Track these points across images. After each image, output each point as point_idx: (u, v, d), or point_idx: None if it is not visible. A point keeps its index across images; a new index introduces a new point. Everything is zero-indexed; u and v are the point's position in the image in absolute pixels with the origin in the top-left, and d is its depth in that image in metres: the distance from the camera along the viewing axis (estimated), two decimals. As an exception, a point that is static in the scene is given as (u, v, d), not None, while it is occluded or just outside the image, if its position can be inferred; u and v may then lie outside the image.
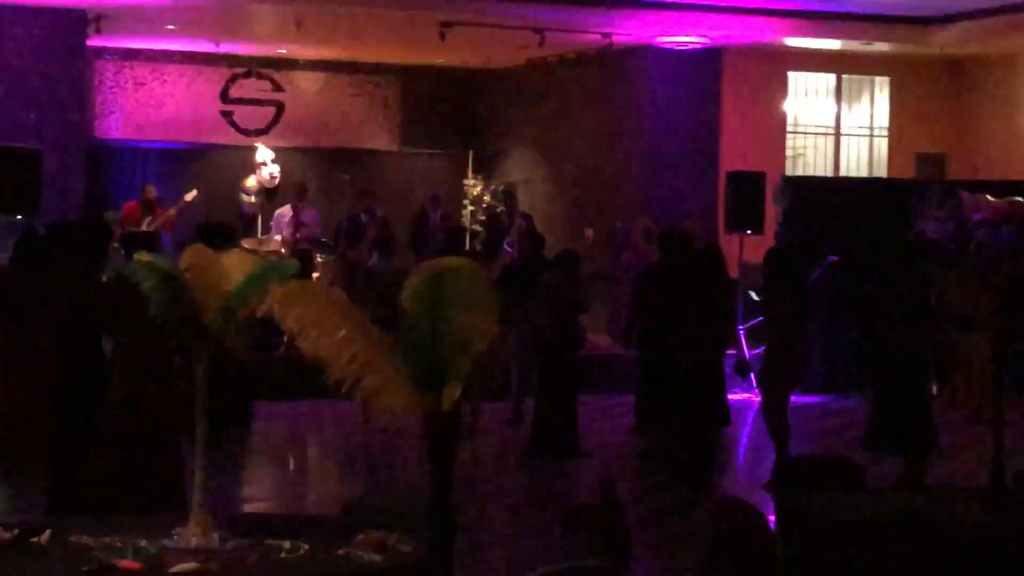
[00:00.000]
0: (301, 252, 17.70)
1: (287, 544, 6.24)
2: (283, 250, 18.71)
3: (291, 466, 13.75)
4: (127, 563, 5.96)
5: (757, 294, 12.69)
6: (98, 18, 19.59)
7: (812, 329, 13.19)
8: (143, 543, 6.23)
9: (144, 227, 19.10)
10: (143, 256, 7.71)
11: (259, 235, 20.36)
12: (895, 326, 10.43)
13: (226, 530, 6.39)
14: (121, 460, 9.16)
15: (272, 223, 19.92)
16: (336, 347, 4.95)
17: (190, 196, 19.77)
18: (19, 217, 15.87)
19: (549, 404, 13.57)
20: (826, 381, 17.81)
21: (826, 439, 14.71)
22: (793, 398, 12.41)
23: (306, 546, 6.20)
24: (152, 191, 19.82)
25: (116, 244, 13.99)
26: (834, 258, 17.79)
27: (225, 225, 14.70)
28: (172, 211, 19.52)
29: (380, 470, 13.30)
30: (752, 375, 14.77)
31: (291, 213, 19.59)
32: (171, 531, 6.38)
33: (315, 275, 18.04)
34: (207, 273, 7.34)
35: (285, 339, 15.91)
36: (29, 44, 19.17)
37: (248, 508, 11.25)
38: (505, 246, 20.17)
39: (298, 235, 19.19)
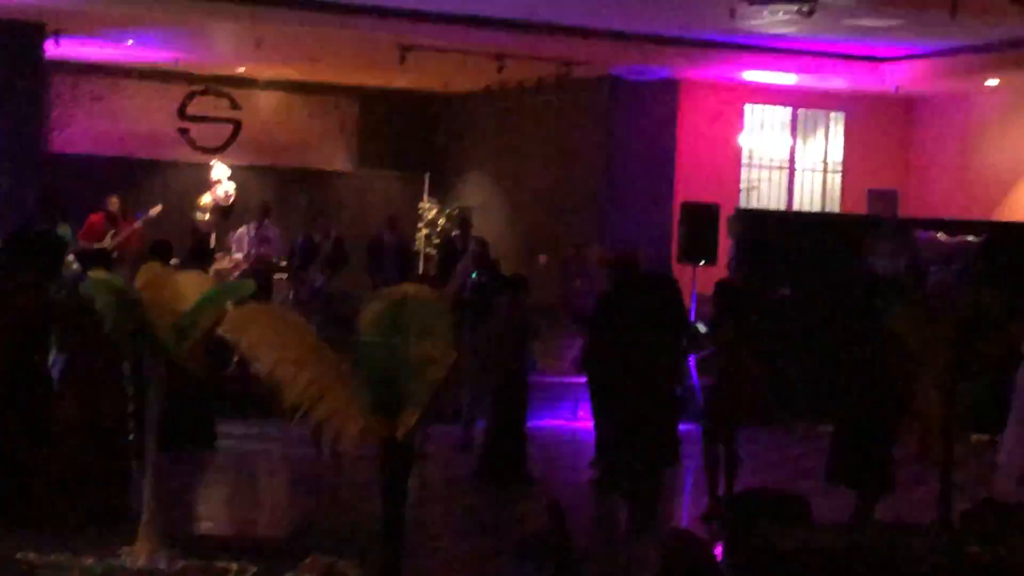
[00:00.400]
0: (258, 272, 17.64)
1: (234, 566, 6.24)
2: (243, 267, 18.64)
3: (243, 487, 13.66)
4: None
5: (705, 325, 12.70)
6: (56, 31, 19.51)
7: (765, 361, 13.23)
8: (90, 562, 6.22)
9: (108, 239, 19.00)
10: (98, 273, 7.71)
11: (212, 254, 20.26)
12: (852, 360, 10.48)
13: (175, 550, 6.38)
14: (69, 476, 9.12)
15: (233, 242, 19.78)
16: (292, 371, 4.95)
17: (155, 211, 19.66)
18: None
19: (499, 429, 13.56)
20: (797, 410, 17.95)
21: (786, 471, 14.77)
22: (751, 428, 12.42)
23: (253, 568, 6.21)
24: (116, 203, 19.68)
25: (71, 258, 13.93)
26: (786, 292, 17.87)
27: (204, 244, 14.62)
28: (138, 224, 19.39)
29: (330, 493, 13.25)
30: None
31: (253, 231, 19.48)
32: (119, 550, 6.37)
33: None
34: (162, 292, 7.36)
35: (235, 359, 15.91)
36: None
37: (199, 528, 11.18)
38: (459, 270, 20.15)
39: (262, 250, 19.10)
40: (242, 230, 19.77)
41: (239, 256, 19.12)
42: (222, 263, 18.49)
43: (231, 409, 15.47)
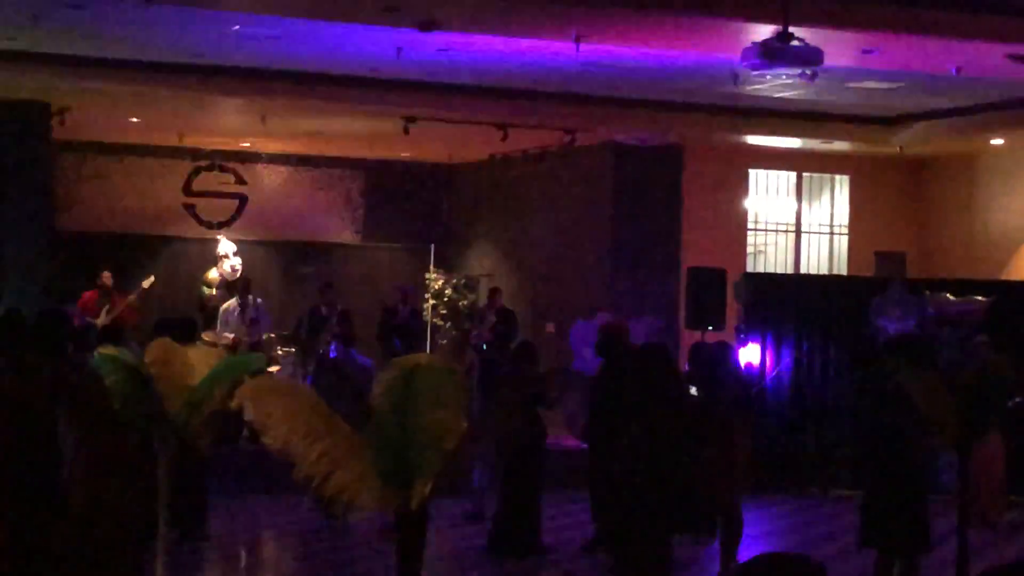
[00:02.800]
0: (255, 346, 17.62)
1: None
2: (238, 346, 18.55)
3: (253, 566, 13.56)
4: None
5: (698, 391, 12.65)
6: (62, 111, 19.61)
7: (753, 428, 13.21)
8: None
9: (103, 315, 18.98)
10: (107, 349, 7.69)
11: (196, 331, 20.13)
12: (876, 422, 10.41)
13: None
14: (81, 558, 9.05)
15: (220, 319, 19.57)
16: (305, 443, 4.92)
17: (147, 283, 19.69)
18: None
19: (511, 500, 13.49)
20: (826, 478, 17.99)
21: (819, 537, 14.72)
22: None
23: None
24: (108, 278, 19.70)
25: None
26: (793, 354, 17.87)
27: (187, 320, 14.59)
28: (132, 298, 19.42)
29: (342, 568, 13.17)
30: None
31: (239, 308, 19.29)
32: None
33: (274, 368, 17.94)
34: (172, 367, 7.34)
35: (244, 433, 15.86)
36: (-7, 135, 19.18)
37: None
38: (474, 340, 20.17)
39: (252, 332, 18.95)
40: (225, 307, 19.52)
41: (229, 336, 18.90)
42: (213, 339, 18.27)
43: (243, 484, 15.43)
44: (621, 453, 11.78)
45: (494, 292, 20.20)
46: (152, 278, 19.95)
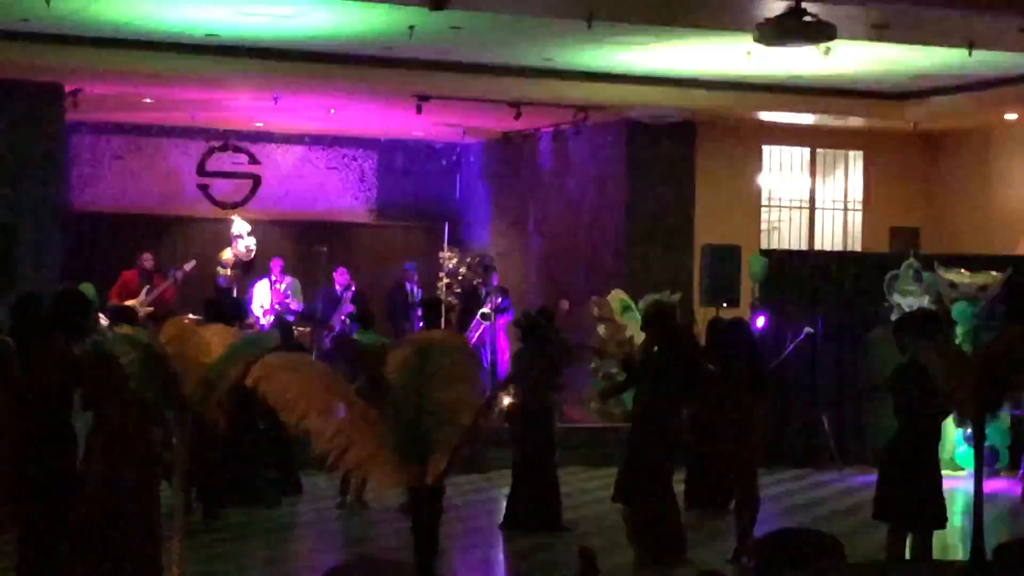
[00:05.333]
0: (282, 323, 17.68)
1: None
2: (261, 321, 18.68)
3: (272, 544, 13.58)
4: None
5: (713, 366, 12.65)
6: (75, 92, 19.63)
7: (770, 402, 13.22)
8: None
9: (143, 296, 19.10)
10: (123, 329, 7.70)
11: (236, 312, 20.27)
12: (893, 397, 10.40)
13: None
14: (98, 537, 9.09)
15: (249, 295, 19.86)
16: (321, 419, 4.93)
17: (189, 266, 19.77)
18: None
19: (525, 475, 13.51)
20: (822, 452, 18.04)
21: (834, 513, 14.78)
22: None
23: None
24: (149, 259, 19.81)
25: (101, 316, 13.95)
26: (809, 330, 17.87)
27: (233, 300, 14.67)
28: (172, 281, 19.47)
29: (360, 544, 13.21)
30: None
31: (269, 289, 19.56)
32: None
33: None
34: (187, 346, 7.35)
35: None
36: (5, 118, 19.18)
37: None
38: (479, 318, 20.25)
39: (278, 306, 19.12)
40: (259, 286, 19.78)
41: (258, 312, 19.11)
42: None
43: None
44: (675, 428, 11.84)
45: (485, 267, 20.34)
46: (194, 262, 20.01)
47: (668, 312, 12.47)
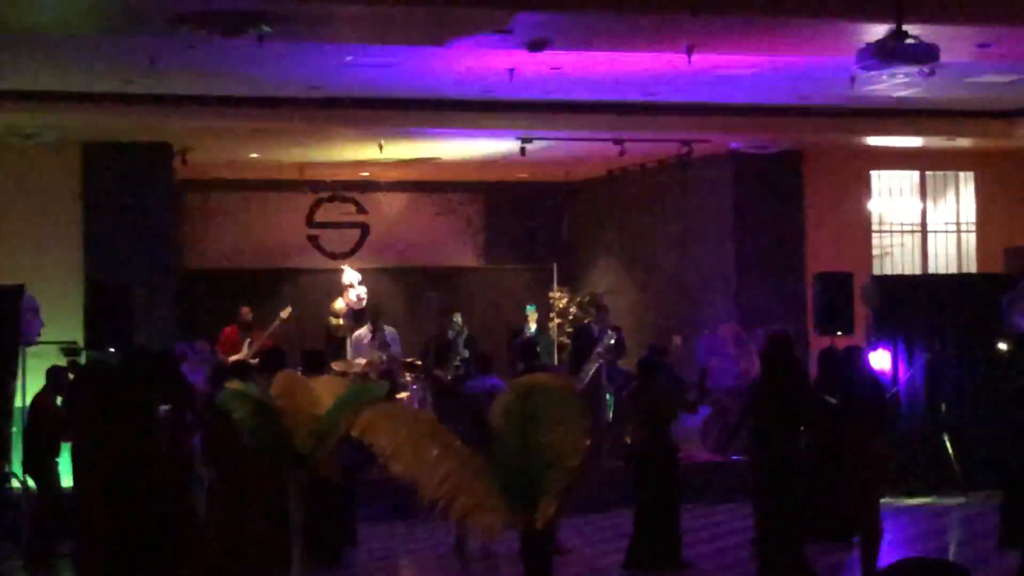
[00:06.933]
0: (387, 373, 17.74)
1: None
2: (369, 372, 18.73)
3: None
4: None
5: (831, 397, 12.48)
6: (183, 151, 19.90)
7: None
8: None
9: (244, 349, 19.27)
10: (234, 384, 7.75)
11: (348, 357, 20.40)
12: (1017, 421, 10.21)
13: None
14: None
15: (352, 347, 19.94)
16: (428, 468, 4.91)
17: (285, 313, 19.91)
18: (112, 351, 15.99)
19: (646, 516, 13.41)
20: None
21: (960, 541, 14.53)
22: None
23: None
24: (248, 312, 20.02)
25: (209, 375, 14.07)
26: (927, 356, 17.63)
27: (314, 351, 14.77)
28: (272, 329, 19.64)
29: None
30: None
31: (370, 335, 19.63)
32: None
33: (403, 395, 18.04)
34: (298, 398, 7.38)
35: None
36: (117, 179, 19.49)
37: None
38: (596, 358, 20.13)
39: (383, 357, 19.19)
40: (358, 334, 19.88)
41: (361, 361, 19.16)
42: (345, 368, 18.56)
43: (376, 512, 15.51)
44: (790, 461, 11.70)
45: (599, 308, 20.22)
46: (290, 308, 20.19)
47: (784, 342, 12.35)
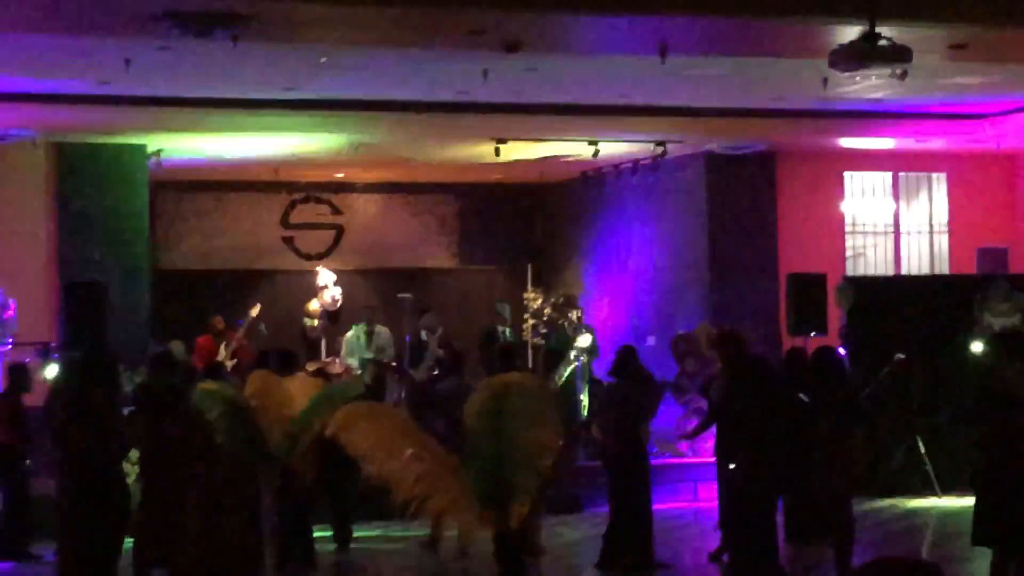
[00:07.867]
0: (376, 371, 17.81)
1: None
2: (351, 372, 18.76)
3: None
4: None
5: (805, 396, 12.51)
6: (158, 152, 19.86)
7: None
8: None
9: (222, 354, 19.31)
10: (207, 385, 7.75)
11: (323, 358, 20.40)
12: (989, 418, 10.24)
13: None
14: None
15: (345, 348, 19.91)
16: (402, 468, 4.92)
17: (254, 311, 19.99)
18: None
19: (619, 515, 13.42)
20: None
21: (933, 541, 14.59)
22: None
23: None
24: (220, 321, 20.11)
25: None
26: (900, 356, 17.67)
27: (285, 351, 14.72)
28: (242, 331, 19.75)
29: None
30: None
31: (365, 338, 19.69)
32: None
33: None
34: (272, 398, 7.38)
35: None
36: (91, 179, 19.45)
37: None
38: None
39: (377, 359, 19.22)
40: (352, 335, 19.87)
41: (352, 362, 19.19)
42: (332, 368, 18.63)
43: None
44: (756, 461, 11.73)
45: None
46: (259, 306, 20.23)
47: (738, 337, 12.45)
